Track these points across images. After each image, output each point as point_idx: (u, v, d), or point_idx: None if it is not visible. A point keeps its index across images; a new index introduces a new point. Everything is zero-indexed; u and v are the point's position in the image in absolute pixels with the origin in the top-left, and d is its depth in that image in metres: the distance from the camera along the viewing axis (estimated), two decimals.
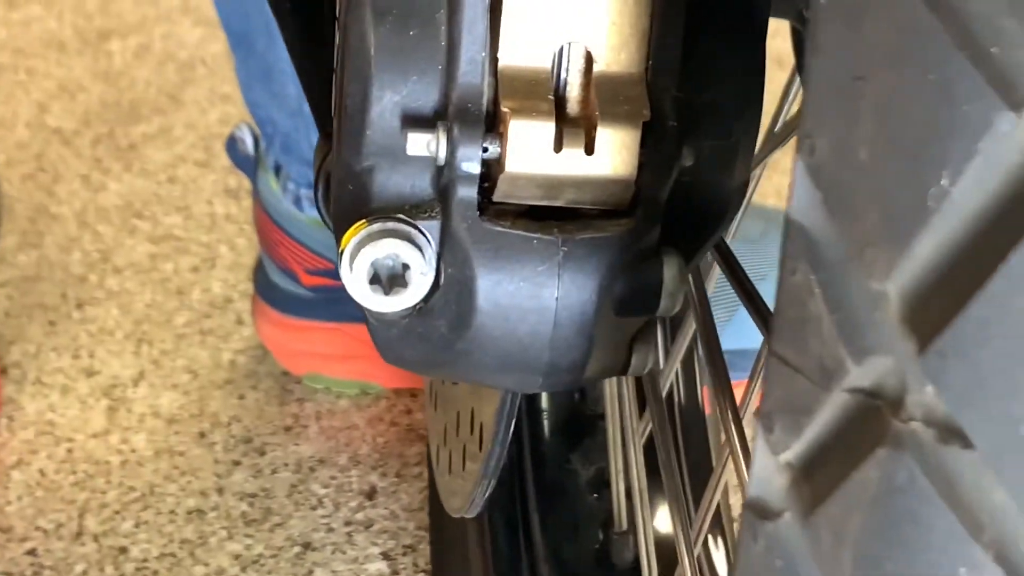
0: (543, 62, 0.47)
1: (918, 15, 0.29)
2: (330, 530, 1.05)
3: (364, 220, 0.47)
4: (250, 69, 1.12)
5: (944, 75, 0.29)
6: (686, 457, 0.87)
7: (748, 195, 0.63)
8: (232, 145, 1.16)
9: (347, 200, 0.48)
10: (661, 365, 0.79)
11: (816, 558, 0.33)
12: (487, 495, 0.60)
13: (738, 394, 0.58)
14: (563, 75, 0.47)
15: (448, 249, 0.47)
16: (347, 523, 1.05)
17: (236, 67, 1.15)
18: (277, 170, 1.13)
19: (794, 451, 0.34)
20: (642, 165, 0.47)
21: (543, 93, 0.46)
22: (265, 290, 1.17)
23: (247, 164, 1.16)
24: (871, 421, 0.31)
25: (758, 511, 0.35)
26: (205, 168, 1.40)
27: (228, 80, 1.29)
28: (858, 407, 0.32)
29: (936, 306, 0.30)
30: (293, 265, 1.14)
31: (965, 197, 0.29)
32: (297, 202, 1.12)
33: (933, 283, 0.30)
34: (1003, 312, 0.28)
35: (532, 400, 0.93)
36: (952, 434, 0.30)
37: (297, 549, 1.03)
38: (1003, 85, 0.28)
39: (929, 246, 0.30)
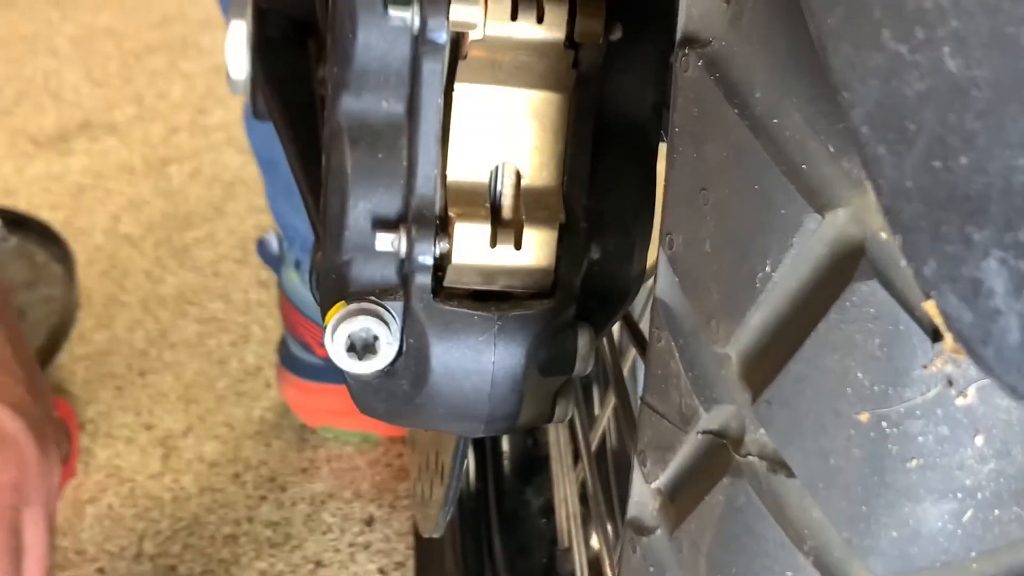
0: (482, 178, 0.47)
1: (745, 139, 0.29)
2: (337, 551, 1.03)
3: (343, 301, 0.47)
4: (276, 187, 1.13)
5: (765, 185, 0.29)
6: (618, 488, 0.86)
7: None
8: (262, 246, 1.16)
9: (330, 286, 0.48)
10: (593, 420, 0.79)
11: (680, 565, 0.33)
12: (448, 519, 0.60)
13: None
14: (498, 188, 0.47)
15: (409, 324, 0.47)
16: (351, 545, 1.04)
17: (265, 186, 1.15)
18: (297, 265, 1.13)
19: (662, 480, 0.34)
20: (559, 257, 0.47)
21: (482, 202, 0.47)
22: (287, 360, 1.16)
23: (274, 261, 1.16)
24: (718, 456, 0.31)
25: (636, 528, 0.35)
26: (242, 264, 1.40)
27: (261, 196, 1.29)
28: (709, 445, 0.32)
29: (765, 365, 0.30)
30: (309, 340, 1.14)
31: (784, 280, 0.29)
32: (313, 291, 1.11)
33: (762, 347, 0.30)
34: (813, 369, 0.28)
35: (495, 444, 0.93)
36: (779, 465, 0.30)
37: (311, 566, 1.02)
38: (810, 193, 0.28)
39: (758, 318, 0.30)
